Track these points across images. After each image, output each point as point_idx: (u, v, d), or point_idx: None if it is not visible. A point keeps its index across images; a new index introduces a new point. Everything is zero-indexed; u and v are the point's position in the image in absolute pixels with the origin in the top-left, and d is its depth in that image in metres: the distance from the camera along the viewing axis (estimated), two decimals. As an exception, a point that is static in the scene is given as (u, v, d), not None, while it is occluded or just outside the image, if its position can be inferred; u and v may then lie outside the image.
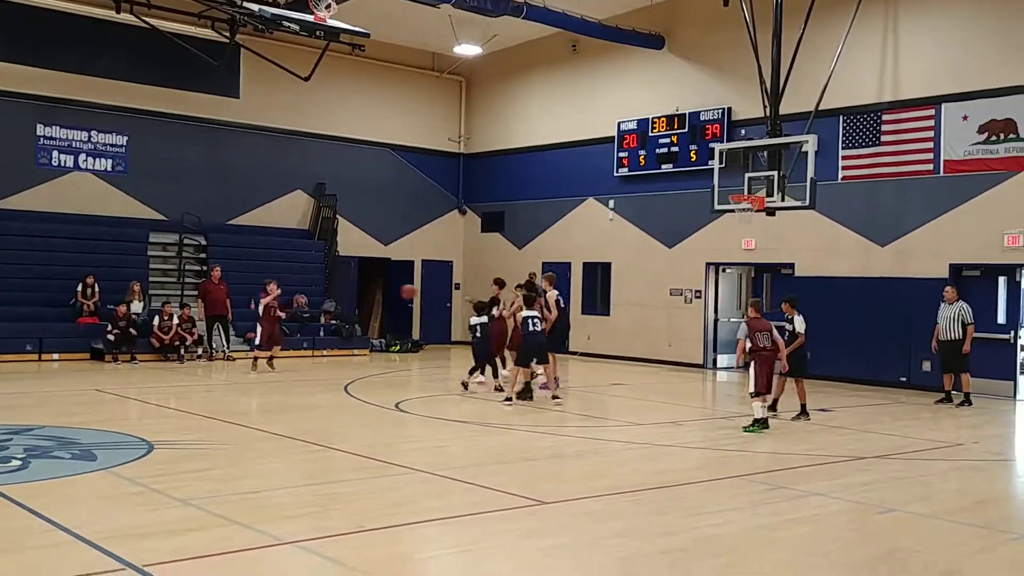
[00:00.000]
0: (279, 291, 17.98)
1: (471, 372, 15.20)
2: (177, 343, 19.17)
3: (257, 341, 17.72)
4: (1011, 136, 16.20)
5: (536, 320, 13.72)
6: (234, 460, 9.38)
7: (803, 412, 12.85)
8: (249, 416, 12.16)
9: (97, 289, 19.55)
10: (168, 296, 20.56)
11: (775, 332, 12.10)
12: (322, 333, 22.07)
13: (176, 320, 19.22)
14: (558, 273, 23.56)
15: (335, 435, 11.03)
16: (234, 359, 19.64)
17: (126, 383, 15.60)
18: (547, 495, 8.01)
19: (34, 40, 20.33)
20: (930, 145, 17.20)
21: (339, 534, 6.64)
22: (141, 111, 21.73)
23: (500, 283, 16.52)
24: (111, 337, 18.51)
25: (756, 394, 11.88)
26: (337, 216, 24.11)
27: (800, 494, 8.39)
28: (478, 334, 15.00)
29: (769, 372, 12.04)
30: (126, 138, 21.59)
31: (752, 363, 12.06)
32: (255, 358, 17.73)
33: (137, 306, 19.44)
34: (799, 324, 12.88)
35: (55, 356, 18.56)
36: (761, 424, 11.76)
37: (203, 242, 22.08)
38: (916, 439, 11.75)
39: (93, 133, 21.20)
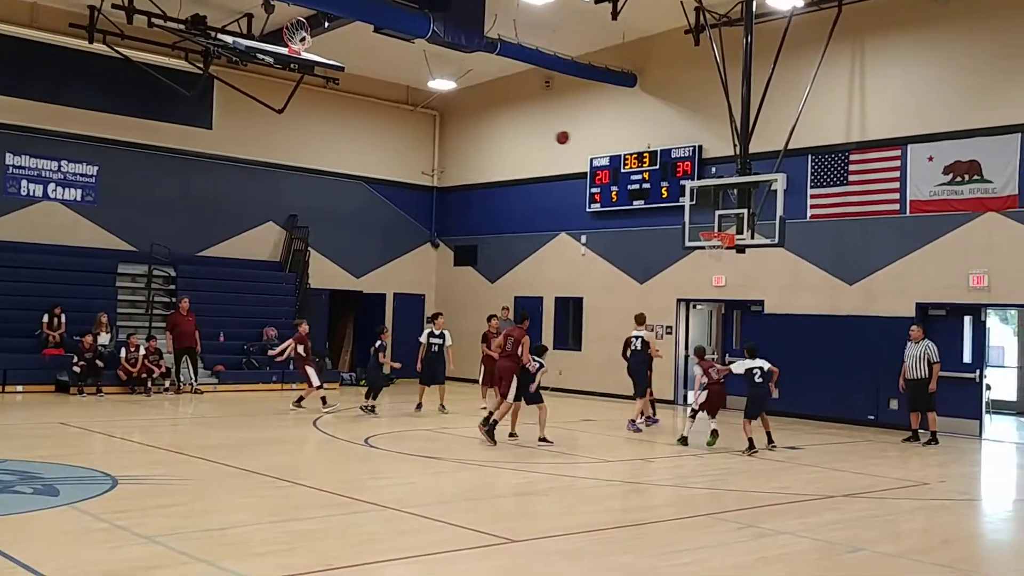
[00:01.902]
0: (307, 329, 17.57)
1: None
2: (144, 376, 18.93)
3: (316, 382, 16.98)
4: (975, 177, 16.50)
5: (539, 366, 13.74)
6: (200, 496, 9.26)
7: (751, 447, 13.57)
8: (215, 451, 12.01)
9: (64, 320, 19.31)
10: (136, 328, 20.32)
11: (717, 366, 14.47)
12: (292, 366, 21.82)
13: (143, 352, 19.00)
14: (530, 308, 23.68)
15: (303, 471, 10.94)
16: (202, 392, 19.42)
17: (91, 416, 15.37)
18: (516, 533, 7.97)
19: (4, 69, 20.18)
20: (896, 185, 17.48)
21: (307, 572, 6.56)
22: (112, 141, 21.60)
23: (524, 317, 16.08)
24: (77, 369, 18.24)
25: (693, 414, 14.28)
26: (309, 248, 24.02)
27: (769, 532, 8.40)
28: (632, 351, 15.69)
29: (715, 399, 14.01)
30: (96, 168, 21.44)
31: (706, 392, 14.08)
32: (323, 398, 16.97)
33: (104, 338, 19.20)
34: (736, 366, 14.28)
35: (19, 388, 18.25)
36: (683, 441, 13.93)
37: (172, 273, 21.90)
38: (884, 478, 11.83)
39: (63, 163, 21.04)
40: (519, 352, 13.52)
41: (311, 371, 17.02)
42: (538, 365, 13.77)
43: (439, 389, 17.36)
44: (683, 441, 13.97)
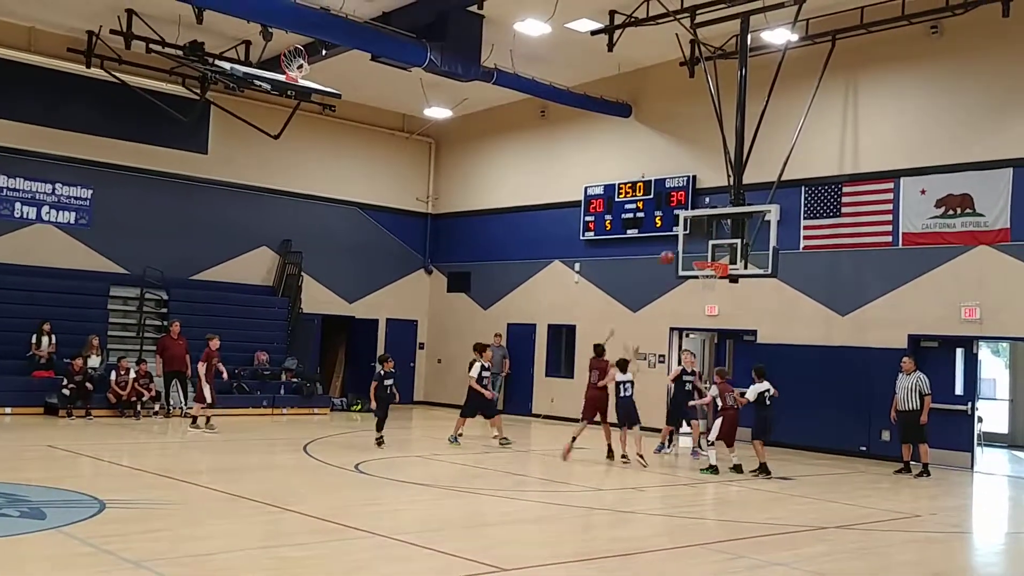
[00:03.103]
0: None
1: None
2: (134, 399, 18.84)
3: (208, 400, 17.21)
4: (967, 211, 16.60)
5: (628, 385, 14.81)
6: (188, 521, 9.19)
7: (762, 469, 13.96)
8: (204, 475, 11.94)
9: (54, 339, 19.22)
10: (127, 351, 20.25)
11: (736, 393, 14.41)
12: (283, 391, 21.81)
13: (133, 375, 18.92)
14: (523, 335, 23.79)
15: (293, 496, 10.85)
16: (191, 416, 19.29)
17: (79, 439, 15.27)
18: (507, 561, 7.91)
19: (0, 92, 20.21)
20: (889, 217, 17.57)
21: (293, 600, 6.51)
22: (107, 164, 21.62)
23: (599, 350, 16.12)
24: (66, 391, 18.15)
25: (711, 443, 14.27)
26: (302, 273, 24.01)
27: (761, 564, 8.35)
28: (624, 392, 14.90)
29: (729, 427, 14.12)
30: (91, 191, 21.43)
31: (720, 419, 14.19)
32: (208, 418, 17.24)
33: (95, 360, 19.12)
34: (750, 392, 14.28)
35: (7, 410, 18.11)
36: (714, 470, 13.89)
37: (165, 297, 21.85)
38: (875, 509, 11.79)
39: (57, 185, 21.04)
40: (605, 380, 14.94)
41: (207, 389, 16.98)
42: (627, 382, 14.86)
43: (499, 420, 17.00)
44: (714, 470, 14.00)
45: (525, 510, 10.84)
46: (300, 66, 17.16)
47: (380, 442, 15.49)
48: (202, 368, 17.15)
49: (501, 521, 10.21)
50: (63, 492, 10.16)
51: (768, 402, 14.28)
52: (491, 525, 9.96)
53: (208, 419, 17.16)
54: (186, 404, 19.53)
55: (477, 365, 16.69)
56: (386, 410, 15.72)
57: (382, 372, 15.77)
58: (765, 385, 14.28)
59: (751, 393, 14.24)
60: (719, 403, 14.35)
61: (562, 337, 23.30)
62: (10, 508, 9.15)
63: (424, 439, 16.96)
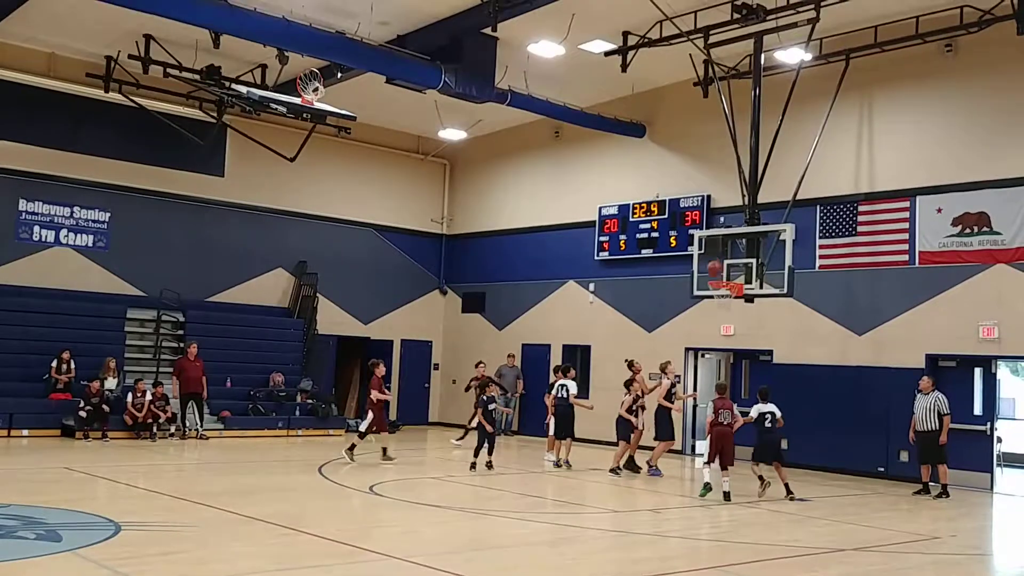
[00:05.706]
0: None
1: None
2: (150, 421, 18.90)
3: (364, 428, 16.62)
4: (984, 229, 16.50)
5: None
6: (203, 543, 9.18)
7: (763, 483, 13.82)
8: (220, 497, 11.93)
9: (73, 365, 19.31)
10: (144, 373, 20.33)
11: (735, 410, 14.01)
12: (298, 412, 21.82)
13: (149, 397, 18.99)
14: (537, 355, 23.75)
15: (307, 518, 10.84)
16: (207, 438, 19.35)
17: (96, 461, 15.32)
18: (522, 584, 7.88)
19: (21, 116, 20.41)
20: (905, 236, 17.48)
21: (308, 623, 6.49)
22: (125, 188, 21.77)
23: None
24: (83, 414, 18.23)
25: (707, 463, 13.93)
26: (317, 295, 24.08)
27: (778, 586, 8.28)
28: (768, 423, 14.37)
29: (717, 444, 13.67)
30: (109, 214, 21.58)
31: (709, 437, 13.97)
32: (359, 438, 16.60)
33: (111, 382, 19.20)
34: (752, 411, 14.15)
35: (24, 432, 18.18)
36: (707, 488, 13.64)
37: (181, 319, 21.95)
38: (894, 531, 11.68)
39: (76, 209, 21.20)
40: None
41: (371, 415, 16.42)
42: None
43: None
44: (707, 487, 13.76)
45: (541, 532, 10.78)
46: (316, 89, 17.29)
47: (489, 466, 15.48)
48: (380, 395, 16.50)
49: (517, 543, 10.16)
50: (79, 514, 10.18)
51: (768, 424, 13.94)
52: (507, 547, 9.91)
53: (385, 450, 16.35)
54: (201, 426, 19.58)
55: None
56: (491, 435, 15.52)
57: (486, 398, 15.59)
58: (769, 407, 14.00)
59: (753, 412, 14.04)
60: (711, 420, 14.00)
61: (577, 357, 23.24)
62: (26, 530, 9.17)
63: (439, 460, 16.93)
